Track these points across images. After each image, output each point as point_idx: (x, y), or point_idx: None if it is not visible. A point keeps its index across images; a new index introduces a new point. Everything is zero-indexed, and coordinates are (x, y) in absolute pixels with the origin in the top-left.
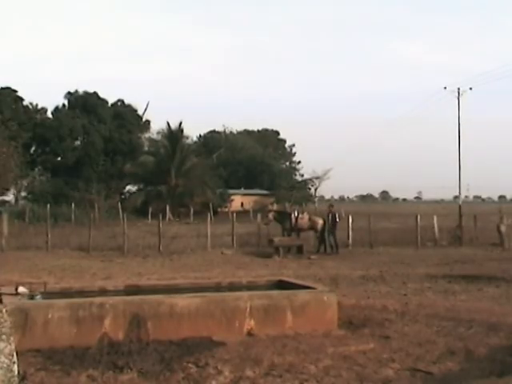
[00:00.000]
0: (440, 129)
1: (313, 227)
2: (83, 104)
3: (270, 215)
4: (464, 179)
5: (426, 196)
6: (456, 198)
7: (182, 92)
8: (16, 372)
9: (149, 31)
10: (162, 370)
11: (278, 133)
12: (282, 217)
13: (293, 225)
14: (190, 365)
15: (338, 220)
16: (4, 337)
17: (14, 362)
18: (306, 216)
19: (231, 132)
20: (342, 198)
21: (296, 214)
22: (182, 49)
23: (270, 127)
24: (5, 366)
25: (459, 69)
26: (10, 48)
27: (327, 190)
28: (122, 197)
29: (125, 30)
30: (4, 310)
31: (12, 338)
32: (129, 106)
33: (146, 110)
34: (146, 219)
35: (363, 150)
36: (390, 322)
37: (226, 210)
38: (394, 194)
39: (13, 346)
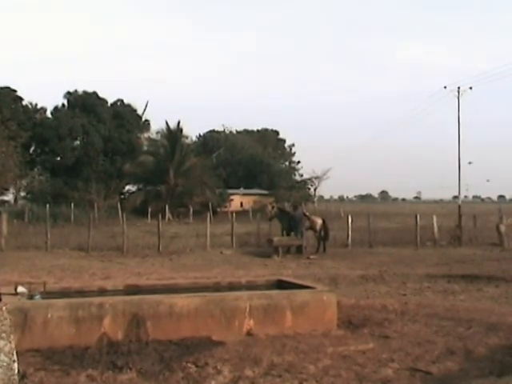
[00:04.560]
0: (440, 129)
1: (312, 227)
2: (82, 104)
3: (272, 210)
4: (463, 179)
5: (425, 196)
6: (455, 197)
7: (182, 92)
8: (16, 370)
9: (149, 31)
10: (162, 370)
11: (277, 133)
12: (283, 216)
13: (307, 226)
14: (189, 364)
15: (306, 214)
16: (4, 335)
17: (13, 361)
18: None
19: (231, 132)
20: (341, 198)
21: (308, 214)
22: (181, 49)
23: (269, 127)
24: (5, 364)
25: (459, 69)
26: (9, 48)
27: (327, 189)
28: (122, 197)
29: (124, 30)
30: (4, 308)
31: (12, 337)
32: (128, 105)
33: (145, 109)
34: (146, 219)
35: (363, 150)
36: (390, 322)
37: (226, 209)
38: (393, 194)
39: (13, 345)
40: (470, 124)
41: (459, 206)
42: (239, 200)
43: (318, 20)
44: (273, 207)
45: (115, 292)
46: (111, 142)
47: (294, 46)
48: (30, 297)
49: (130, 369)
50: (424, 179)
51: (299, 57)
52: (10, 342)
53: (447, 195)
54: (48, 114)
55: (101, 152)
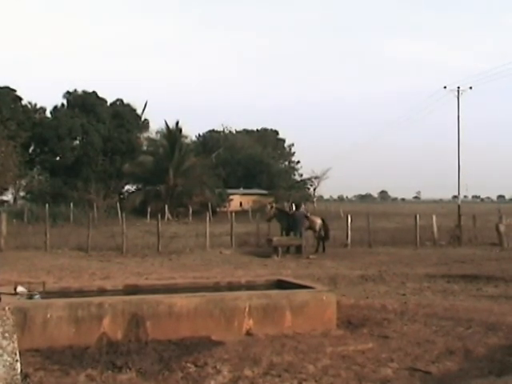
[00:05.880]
0: (439, 129)
1: (311, 227)
2: (82, 103)
3: (271, 210)
4: (463, 179)
5: (424, 196)
6: (455, 197)
7: (182, 91)
8: (19, 370)
9: (148, 31)
10: (161, 370)
11: (277, 132)
12: (282, 216)
13: (306, 226)
14: (188, 364)
15: (307, 215)
16: (7, 335)
17: (16, 360)
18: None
19: (230, 131)
20: (340, 198)
21: (308, 213)
22: (181, 49)
23: (269, 127)
24: (7, 363)
25: (459, 69)
26: (9, 47)
27: (326, 189)
28: (121, 196)
29: (124, 30)
30: (7, 308)
31: (15, 336)
32: (128, 105)
33: (144, 109)
34: (145, 219)
35: (363, 150)
36: (389, 322)
37: (225, 209)
38: (392, 194)
39: (15, 344)
40: (469, 124)
41: (459, 206)
42: (238, 200)
43: (317, 20)
44: (272, 207)
45: (115, 292)
46: (111, 142)
47: (293, 46)
48: (30, 297)
49: (130, 369)
50: (423, 179)
51: (299, 57)
52: (12, 342)
53: (447, 195)
54: (47, 113)
55: (100, 152)
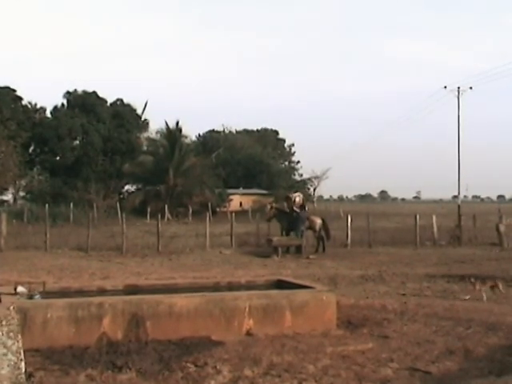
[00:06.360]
0: (440, 129)
1: (311, 227)
2: (82, 103)
3: (271, 210)
4: (463, 179)
5: (424, 196)
6: (455, 197)
7: (182, 91)
8: (23, 369)
9: (149, 31)
10: (161, 370)
11: (277, 132)
12: (282, 216)
13: (306, 226)
14: (188, 364)
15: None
16: (12, 334)
17: (21, 360)
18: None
19: (230, 131)
20: (340, 198)
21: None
22: (181, 49)
23: (269, 127)
24: (12, 363)
25: (459, 69)
26: (9, 47)
27: (326, 189)
28: (121, 196)
29: (124, 30)
30: (11, 308)
31: (19, 336)
32: (128, 105)
33: (144, 109)
34: (145, 219)
35: (363, 150)
36: (389, 322)
37: (225, 209)
38: (392, 194)
39: (20, 344)
40: (469, 124)
41: (459, 206)
42: (238, 200)
43: (317, 20)
44: (271, 207)
45: (115, 292)
46: (111, 142)
47: (293, 46)
48: (30, 297)
49: (130, 368)
50: (424, 179)
51: (299, 57)
52: (17, 342)
53: (447, 195)
54: (47, 113)
55: (100, 152)
